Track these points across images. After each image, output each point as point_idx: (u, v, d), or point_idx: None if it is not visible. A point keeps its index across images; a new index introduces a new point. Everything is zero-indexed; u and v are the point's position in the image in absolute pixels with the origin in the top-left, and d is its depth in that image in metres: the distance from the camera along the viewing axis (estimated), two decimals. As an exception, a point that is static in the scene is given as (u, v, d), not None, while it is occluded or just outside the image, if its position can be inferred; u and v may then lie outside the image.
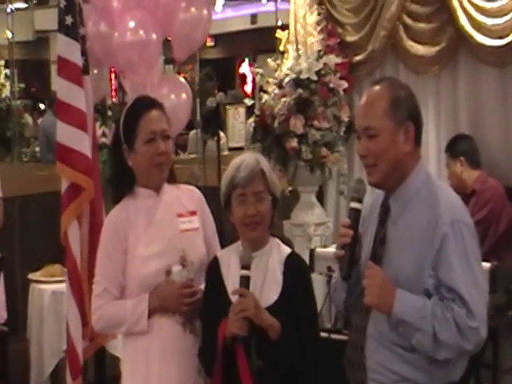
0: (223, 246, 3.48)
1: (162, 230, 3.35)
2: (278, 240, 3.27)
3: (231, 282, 3.16)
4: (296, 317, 3.06)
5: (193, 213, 3.43)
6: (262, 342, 3.04)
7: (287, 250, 3.24)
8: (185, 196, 3.48)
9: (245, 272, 3.07)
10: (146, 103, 3.45)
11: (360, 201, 2.86)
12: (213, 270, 3.26)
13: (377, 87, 2.89)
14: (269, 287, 3.13)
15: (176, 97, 4.90)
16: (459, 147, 5.45)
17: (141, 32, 4.78)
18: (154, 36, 4.81)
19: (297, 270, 3.17)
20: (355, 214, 2.84)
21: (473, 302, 2.68)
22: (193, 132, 9.54)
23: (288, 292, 3.11)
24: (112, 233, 3.38)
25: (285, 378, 3.07)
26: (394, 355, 2.80)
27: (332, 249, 4.62)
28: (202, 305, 3.28)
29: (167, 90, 4.85)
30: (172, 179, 3.49)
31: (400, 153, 2.82)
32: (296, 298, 3.10)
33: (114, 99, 7.85)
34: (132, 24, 4.79)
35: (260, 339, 3.04)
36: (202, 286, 3.35)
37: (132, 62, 4.79)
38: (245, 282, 3.07)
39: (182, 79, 5.37)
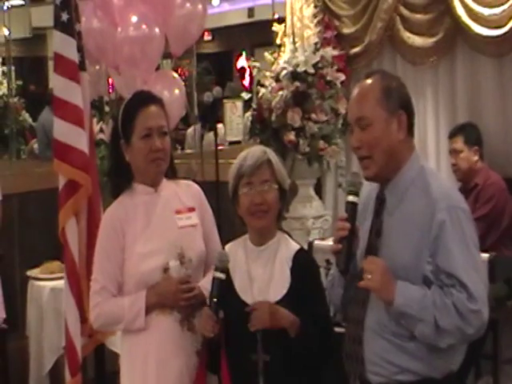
0: (221, 240, 3.49)
1: (160, 227, 3.34)
2: (286, 235, 3.26)
3: (238, 276, 3.17)
4: (308, 314, 3.06)
5: (191, 209, 3.41)
6: (268, 336, 3.04)
7: (296, 246, 3.23)
8: (183, 192, 3.46)
9: (218, 274, 3.09)
10: (145, 98, 3.43)
11: (356, 194, 2.87)
12: None
13: (368, 79, 2.90)
14: (277, 281, 3.13)
15: (169, 93, 4.91)
16: (474, 136, 5.40)
17: (143, 27, 4.79)
18: (156, 31, 4.82)
19: (305, 267, 3.16)
20: (352, 208, 2.85)
21: (473, 285, 2.69)
22: (191, 129, 9.53)
23: (296, 288, 3.10)
24: (110, 230, 3.36)
25: (291, 372, 3.07)
26: (393, 346, 2.80)
27: (330, 242, 4.62)
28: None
29: (160, 86, 4.86)
30: (172, 174, 3.48)
31: (394, 141, 2.83)
32: (306, 295, 3.09)
33: (110, 94, 7.82)
34: (135, 19, 4.81)
35: (266, 333, 3.04)
36: (201, 283, 3.34)
37: (135, 58, 4.80)
38: (218, 284, 3.08)
39: (176, 75, 5.38)
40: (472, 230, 2.81)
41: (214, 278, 3.10)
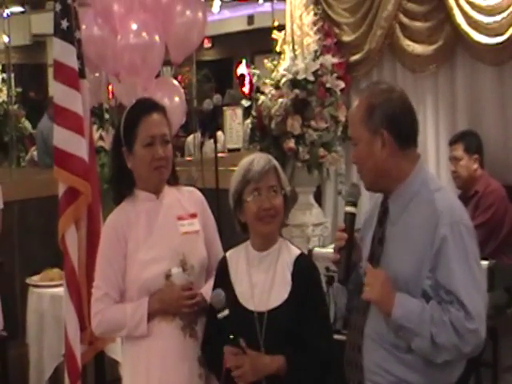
0: (223, 247, 3.49)
1: (162, 233, 3.34)
2: (287, 241, 3.27)
3: (239, 282, 3.18)
4: (307, 319, 3.06)
5: (193, 215, 3.42)
6: (271, 346, 3.06)
7: (297, 251, 3.24)
8: (185, 198, 3.46)
9: (223, 314, 3.07)
10: (148, 106, 3.42)
11: (355, 204, 2.89)
12: (221, 269, 3.28)
13: (359, 96, 2.93)
14: (278, 286, 3.14)
15: (169, 100, 4.91)
16: (474, 144, 5.39)
17: (144, 34, 4.80)
18: (157, 38, 4.83)
19: (306, 272, 3.17)
20: (350, 218, 2.87)
21: (472, 304, 2.68)
22: (191, 137, 9.54)
23: (297, 293, 3.11)
24: (112, 237, 3.36)
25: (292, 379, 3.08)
26: (391, 356, 2.81)
27: (330, 249, 4.63)
28: (210, 303, 3.26)
29: (161, 94, 4.86)
30: (174, 181, 3.48)
31: (378, 160, 2.83)
32: (306, 300, 3.09)
33: (110, 102, 7.84)
34: (135, 27, 4.81)
35: (268, 339, 3.07)
36: (203, 290, 3.35)
37: (135, 65, 4.81)
38: (226, 322, 3.06)
39: (176, 82, 5.38)
40: (474, 246, 2.80)
41: (220, 318, 3.07)
